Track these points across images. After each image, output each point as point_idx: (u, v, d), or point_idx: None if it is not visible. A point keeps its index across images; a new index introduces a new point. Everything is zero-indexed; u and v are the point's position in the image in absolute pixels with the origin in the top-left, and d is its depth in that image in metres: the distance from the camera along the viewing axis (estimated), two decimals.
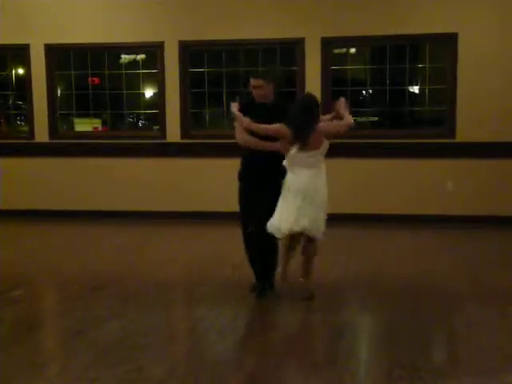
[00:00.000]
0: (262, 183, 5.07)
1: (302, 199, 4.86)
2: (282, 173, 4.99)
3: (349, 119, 5.02)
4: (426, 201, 8.32)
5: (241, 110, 5.09)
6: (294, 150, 4.89)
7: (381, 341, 4.31)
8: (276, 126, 4.94)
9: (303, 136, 4.88)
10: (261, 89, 5.03)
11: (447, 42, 8.16)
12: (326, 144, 4.97)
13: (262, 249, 5.11)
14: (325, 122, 5.08)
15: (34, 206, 9.01)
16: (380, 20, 8.17)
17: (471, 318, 4.62)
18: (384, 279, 5.74)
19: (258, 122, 4.95)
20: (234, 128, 5.20)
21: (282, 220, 4.87)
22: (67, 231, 8.30)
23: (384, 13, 8.17)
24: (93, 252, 7.03)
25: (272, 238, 4.99)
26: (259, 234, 4.98)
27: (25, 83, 9.04)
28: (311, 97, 5.12)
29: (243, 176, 5.21)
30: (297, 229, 4.87)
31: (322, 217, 4.98)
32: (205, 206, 8.67)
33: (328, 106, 8.31)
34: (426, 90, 8.46)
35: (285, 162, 4.95)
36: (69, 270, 6.23)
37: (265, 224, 4.90)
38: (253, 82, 5.06)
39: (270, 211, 4.92)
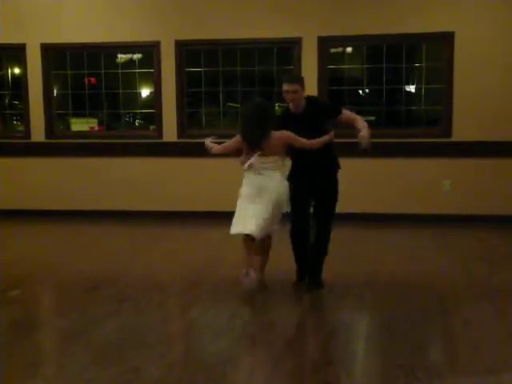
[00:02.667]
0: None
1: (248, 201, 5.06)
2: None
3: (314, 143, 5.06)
4: (422, 200, 8.32)
5: (278, 121, 5.20)
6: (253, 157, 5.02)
7: (377, 340, 4.32)
8: (234, 139, 5.19)
9: (253, 142, 5.01)
10: (294, 94, 5.09)
11: (444, 41, 8.16)
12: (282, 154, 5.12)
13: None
14: (288, 133, 5.06)
15: (31, 206, 9.00)
16: (376, 19, 8.17)
17: (468, 318, 4.62)
18: (380, 278, 5.74)
19: (294, 130, 5.08)
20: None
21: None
22: (64, 231, 8.29)
23: (380, 12, 8.17)
24: (89, 252, 7.02)
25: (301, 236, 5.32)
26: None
27: (21, 83, 9.02)
28: (260, 103, 5.16)
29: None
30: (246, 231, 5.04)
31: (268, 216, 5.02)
32: (202, 206, 8.67)
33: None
34: (423, 89, 8.45)
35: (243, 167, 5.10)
36: (66, 269, 6.22)
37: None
38: (286, 86, 5.10)
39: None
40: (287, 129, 5.08)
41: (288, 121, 5.23)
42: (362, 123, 5.30)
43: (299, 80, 5.21)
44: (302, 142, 5.05)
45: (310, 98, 5.36)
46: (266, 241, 5.17)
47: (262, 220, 4.97)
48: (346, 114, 5.38)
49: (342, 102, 5.22)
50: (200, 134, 8.73)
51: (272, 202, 5.01)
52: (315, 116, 5.20)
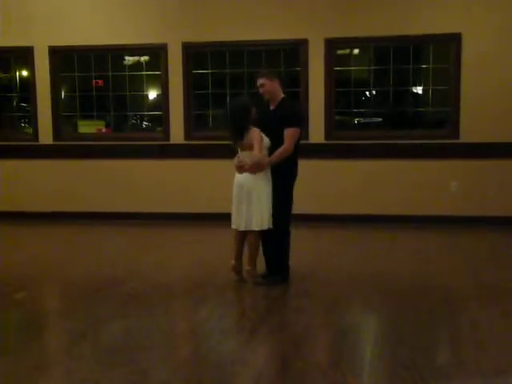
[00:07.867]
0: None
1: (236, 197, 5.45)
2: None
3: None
4: (430, 201, 8.29)
5: (258, 115, 5.45)
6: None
7: (384, 341, 4.31)
8: None
9: (234, 136, 5.37)
10: (262, 87, 5.42)
11: (451, 43, 8.14)
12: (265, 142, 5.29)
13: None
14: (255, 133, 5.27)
15: (38, 208, 9.03)
16: (383, 21, 8.16)
17: (474, 319, 4.61)
18: (387, 280, 5.73)
19: (266, 125, 5.38)
20: None
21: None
22: (70, 233, 8.31)
23: (387, 14, 8.16)
24: (95, 254, 7.04)
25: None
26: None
27: (29, 85, 9.06)
28: (238, 100, 5.68)
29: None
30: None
31: (260, 212, 5.32)
32: (208, 208, 8.66)
33: (331, 107, 8.35)
34: (430, 91, 8.43)
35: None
36: (71, 271, 6.24)
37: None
38: (257, 81, 5.48)
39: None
40: (262, 121, 5.42)
41: (265, 114, 5.51)
42: (276, 152, 5.31)
43: (267, 75, 5.46)
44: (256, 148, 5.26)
45: (284, 100, 5.50)
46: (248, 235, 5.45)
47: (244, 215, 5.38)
48: (286, 134, 5.31)
49: (300, 122, 5.49)
50: (207, 135, 8.79)
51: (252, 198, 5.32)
52: (276, 118, 5.38)
